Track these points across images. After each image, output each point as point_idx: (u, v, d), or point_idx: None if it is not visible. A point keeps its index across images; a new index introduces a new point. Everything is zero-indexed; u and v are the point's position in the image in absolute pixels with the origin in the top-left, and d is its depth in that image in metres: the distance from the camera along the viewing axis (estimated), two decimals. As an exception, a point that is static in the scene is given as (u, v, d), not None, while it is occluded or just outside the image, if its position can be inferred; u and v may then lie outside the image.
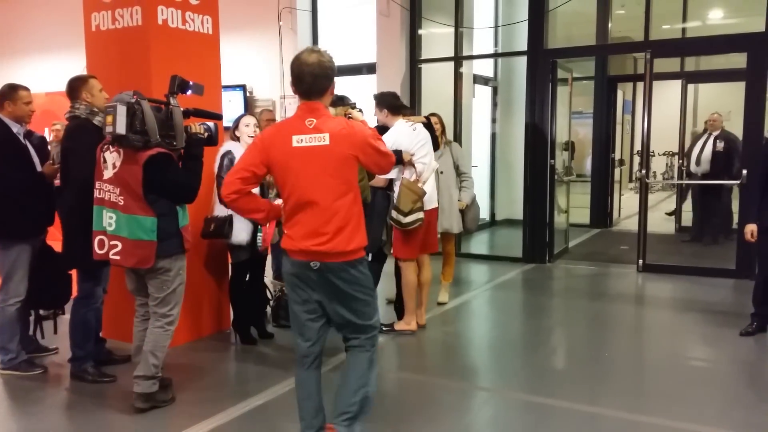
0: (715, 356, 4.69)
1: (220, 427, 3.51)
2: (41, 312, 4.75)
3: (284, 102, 8.64)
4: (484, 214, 9.83)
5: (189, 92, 3.67)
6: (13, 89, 4.22)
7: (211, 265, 5.04)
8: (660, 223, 10.68)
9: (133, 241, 3.47)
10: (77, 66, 5.16)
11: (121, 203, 3.48)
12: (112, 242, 3.52)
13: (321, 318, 2.98)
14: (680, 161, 9.24)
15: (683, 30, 9.36)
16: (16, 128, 4.21)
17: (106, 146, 3.57)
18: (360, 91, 6.49)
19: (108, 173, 3.54)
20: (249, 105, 8.80)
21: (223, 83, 5.26)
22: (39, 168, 4.26)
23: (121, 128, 3.34)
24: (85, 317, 4.08)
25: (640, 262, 7.29)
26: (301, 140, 2.81)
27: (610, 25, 8.83)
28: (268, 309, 5.41)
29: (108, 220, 3.53)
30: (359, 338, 3.00)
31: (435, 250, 5.25)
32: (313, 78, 2.82)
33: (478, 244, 9.38)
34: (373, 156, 2.92)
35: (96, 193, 3.61)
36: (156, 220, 3.48)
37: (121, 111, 3.34)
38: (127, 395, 3.85)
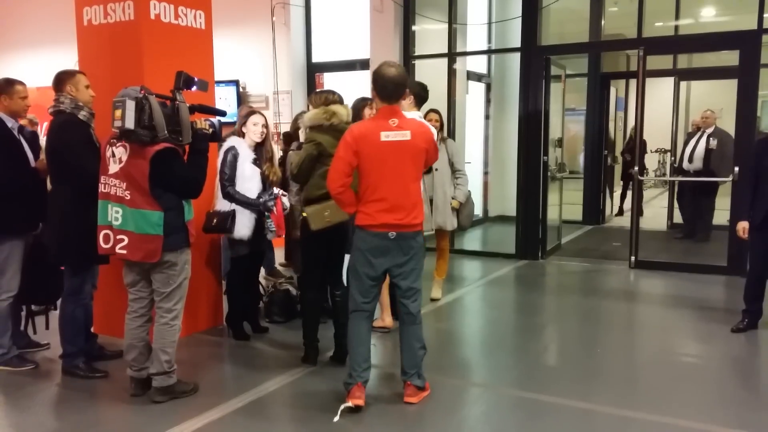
0: (706, 352, 4.72)
1: (213, 422, 3.51)
2: (33, 307, 4.74)
3: (277, 98, 8.62)
4: (477, 210, 9.84)
5: (194, 88, 3.69)
6: (9, 84, 4.19)
7: (207, 261, 5.03)
8: (652, 219, 10.73)
9: (139, 235, 3.47)
10: (69, 60, 5.11)
11: (128, 198, 3.48)
12: (119, 236, 3.52)
13: (379, 284, 3.67)
14: (672, 158, 9.27)
15: (676, 27, 9.38)
16: (10, 123, 4.17)
17: (112, 141, 3.56)
18: (353, 87, 6.49)
19: (114, 168, 3.53)
20: (242, 100, 8.77)
21: (216, 78, 5.25)
22: (32, 163, 4.23)
23: (130, 123, 3.34)
24: (74, 314, 4.06)
25: (633, 258, 7.31)
26: (388, 135, 3.46)
27: (603, 22, 8.86)
28: (261, 305, 5.40)
29: (114, 214, 3.52)
30: (411, 305, 3.63)
31: None
32: (394, 86, 3.49)
33: (471, 240, 9.39)
34: (432, 152, 3.66)
35: (101, 188, 3.59)
36: (162, 214, 3.48)
37: (130, 106, 3.34)
38: (119, 390, 3.86)
